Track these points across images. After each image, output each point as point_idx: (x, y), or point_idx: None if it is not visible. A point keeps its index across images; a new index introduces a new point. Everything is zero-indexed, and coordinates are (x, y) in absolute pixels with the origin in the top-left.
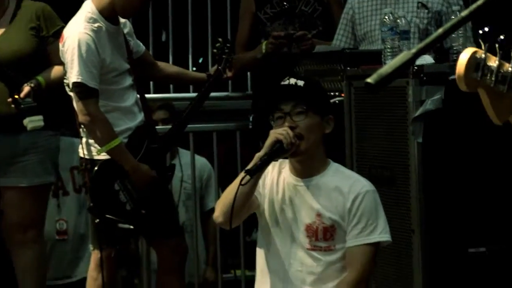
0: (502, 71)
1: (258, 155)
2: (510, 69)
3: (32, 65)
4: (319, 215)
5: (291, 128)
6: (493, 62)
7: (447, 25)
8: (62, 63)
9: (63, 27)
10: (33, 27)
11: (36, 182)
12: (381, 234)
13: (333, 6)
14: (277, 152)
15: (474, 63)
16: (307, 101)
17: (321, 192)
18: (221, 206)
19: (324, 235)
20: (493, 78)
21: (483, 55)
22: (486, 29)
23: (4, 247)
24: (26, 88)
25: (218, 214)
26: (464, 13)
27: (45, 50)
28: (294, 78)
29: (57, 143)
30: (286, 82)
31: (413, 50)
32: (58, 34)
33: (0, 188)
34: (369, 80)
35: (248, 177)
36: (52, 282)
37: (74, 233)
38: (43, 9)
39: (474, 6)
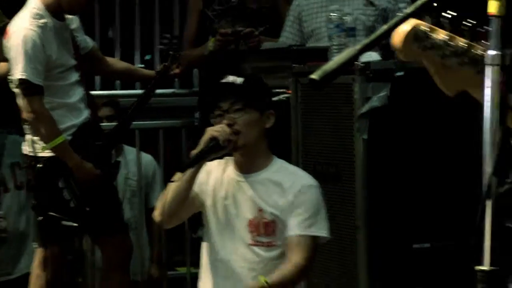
0: (452, 44)
1: (193, 152)
2: (461, 43)
3: None
4: (260, 210)
5: (229, 125)
6: (440, 35)
7: (392, 22)
8: (6, 59)
9: (8, 23)
10: None
11: None
12: (321, 230)
13: (280, 3)
14: (213, 149)
15: (415, 34)
16: (244, 97)
17: (263, 187)
18: (159, 206)
19: (266, 230)
20: (440, 52)
21: (427, 28)
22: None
23: None
24: None
25: (157, 213)
26: (409, 9)
27: None
28: (234, 75)
29: (3, 140)
30: (225, 80)
31: (358, 47)
32: (2, 30)
33: None
34: (313, 76)
35: (179, 174)
36: None
37: (14, 230)
38: None
39: (418, 2)
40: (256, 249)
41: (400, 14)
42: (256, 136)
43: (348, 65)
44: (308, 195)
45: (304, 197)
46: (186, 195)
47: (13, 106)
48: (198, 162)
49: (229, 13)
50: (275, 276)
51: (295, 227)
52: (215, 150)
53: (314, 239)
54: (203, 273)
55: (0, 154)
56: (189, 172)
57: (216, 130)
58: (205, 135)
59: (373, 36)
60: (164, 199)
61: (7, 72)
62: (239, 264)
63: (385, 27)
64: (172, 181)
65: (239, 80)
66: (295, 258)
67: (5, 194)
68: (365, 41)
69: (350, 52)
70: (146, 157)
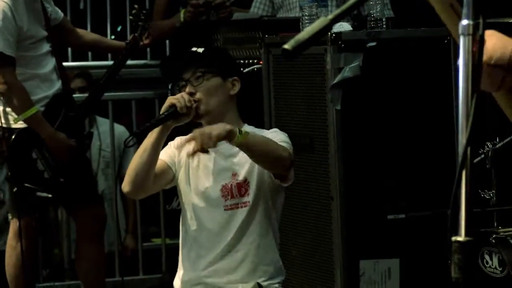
0: None
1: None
2: None
3: None
4: (235, 174)
5: (191, 94)
6: None
7: None
8: None
9: None
10: None
11: None
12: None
13: None
14: (171, 115)
15: None
16: (204, 65)
17: (235, 151)
18: (126, 176)
19: (239, 191)
20: None
21: None
22: None
23: None
24: None
25: (124, 184)
26: None
27: None
28: (195, 46)
29: None
30: (187, 52)
31: (330, 17)
32: None
33: None
34: (286, 46)
35: (134, 139)
36: None
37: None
38: None
39: None
40: (231, 212)
41: None
42: (218, 102)
43: (321, 35)
44: (277, 133)
45: (275, 133)
46: (150, 164)
47: None
48: (154, 127)
49: None
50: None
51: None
52: (174, 117)
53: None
54: (182, 243)
55: None
56: (152, 138)
57: (175, 98)
58: (165, 103)
59: (345, 6)
60: (129, 169)
61: None
62: (218, 231)
63: None
64: (128, 146)
65: (199, 50)
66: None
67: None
68: (337, 11)
69: (323, 22)
70: (119, 128)
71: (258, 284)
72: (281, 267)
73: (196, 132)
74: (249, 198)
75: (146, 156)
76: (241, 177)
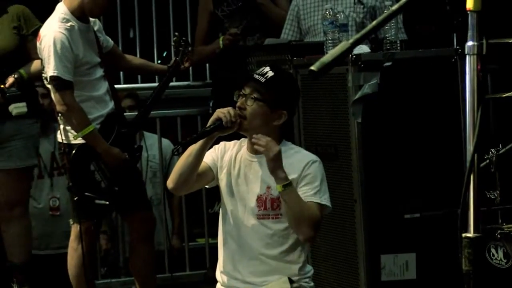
0: None
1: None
2: None
3: (15, 59)
4: (269, 187)
5: (240, 108)
6: None
7: (380, 18)
8: (39, 58)
9: (40, 26)
10: (15, 27)
11: (21, 165)
12: (323, 199)
13: (281, 1)
14: (216, 128)
15: None
16: (262, 92)
17: None
18: (172, 174)
19: (272, 205)
20: None
21: None
22: None
23: None
24: (11, 79)
25: (169, 181)
26: (395, 7)
27: (25, 46)
28: (270, 68)
29: (37, 130)
30: (259, 70)
31: (351, 41)
32: (36, 33)
33: None
34: (312, 67)
35: (181, 148)
36: (45, 252)
37: (66, 209)
38: (23, 10)
39: (403, 0)
40: (264, 221)
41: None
42: (259, 127)
43: (343, 58)
44: (312, 169)
45: (309, 170)
46: (193, 167)
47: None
48: (201, 138)
49: (236, 13)
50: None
51: (302, 195)
52: (219, 129)
53: (320, 206)
54: (220, 243)
55: (37, 142)
56: (197, 144)
57: (222, 111)
58: (213, 115)
59: (363, 31)
60: (175, 169)
61: (41, 69)
62: (250, 235)
63: (374, 23)
64: (174, 154)
65: (269, 73)
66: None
67: (59, 177)
68: (357, 35)
69: (344, 45)
70: (165, 142)
71: (289, 278)
72: (307, 264)
73: (261, 139)
74: (281, 211)
75: (190, 160)
76: (275, 194)
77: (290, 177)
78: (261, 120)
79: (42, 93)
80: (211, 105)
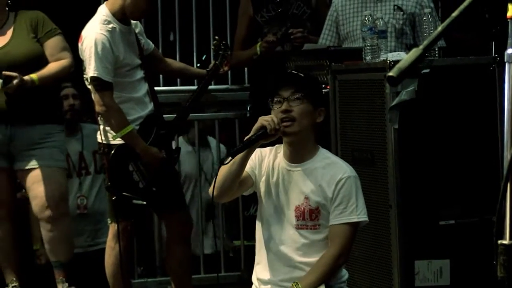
0: None
1: (245, 138)
2: None
3: (37, 65)
4: (307, 198)
5: (287, 111)
6: None
7: (444, 25)
8: (54, 57)
9: (54, 28)
10: (33, 32)
11: (53, 165)
12: (360, 215)
13: (321, 8)
14: (261, 136)
15: None
16: (304, 90)
17: (309, 177)
18: (216, 181)
19: (310, 216)
20: None
21: None
22: None
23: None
24: (15, 82)
25: (210, 190)
26: (455, 13)
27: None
28: (295, 71)
29: (64, 136)
30: (285, 76)
31: (421, 46)
32: (50, 33)
33: (17, 172)
34: (391, 73)
35: (229, 158)
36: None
37: (93, 208)
38: (37, 16)
39: (462, 6)
40: (302, 231)
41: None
42: (307, 125)
43: (418, 63)
44: (346, 186)
45: (343, 188)
46: (236, 175)
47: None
48: (248, 147)
49: (276, 18)
50: (310, 277)
51: (334, 218)
52: (263, 137)
53: (352, 224)
54: (257, 248)
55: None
56: (240, 155)
57: (266, 119)
58: (256, 124)
59: (431, 37)
60: (218, 178)
61: (56, 71)
62: (287, 244)
63: (439, 29)
64: (224, 164)
65: (300, 74)
66: (333, 248)
67: (87, 177)
68: (426, 42)
69: (417, 51)
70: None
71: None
72: (343, 269)
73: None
74: (319, 222)
75: (234, 168)
76: (313, 204)
77: (323, 191)
78: (309, 119)
79: (73, 94)
80: (248, 109)
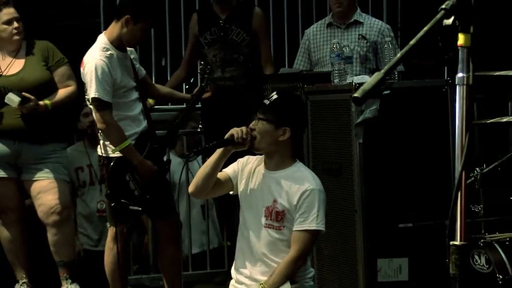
0: None
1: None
2: None
3: (47, 90)
4: (275, 201)
5: (251, 129)
6: None
7: (402, 51)
8: (62, 84)
9: (62, 58)
10: (44, 60)
11: (57, 177)
12: (319, 224)
13: (259, 36)
14: (228, 142)
15: None
16: (265, 113)
17: (280, 184)
18: (193, 179)
19: (276, 217)
20: None
21: None
22: None
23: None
24: (30, 105)
25: (190, 186)
26: (412, 41)
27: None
28: (276, 93)
29: (66, 153)
30: (269, 95)
31: (383, 71)
32: (59, 63)
33: (24, 182)
34: (356, 94)
35: (192, 154)
36: (94, 248)
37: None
38: (47, 46)
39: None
40: (269, 230)
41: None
42: (267, 144)
43: (379, 86)
44: (310, 197)
45: (307, 198)
46: (210, 175)
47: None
48: (212, 148)
49: (216, 42)
50: (273, 278)
51: (297, 224)
52: (230, 143)
53: (312, 232)
54: (237, 242)
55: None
56: (214, 157)
57: (236, 130)
58: (229, 131)
59: (391, 63)
60: (195, 176)
61: (66, 97)
62: (258, 240)
63: (398, 55)
64: (189, 160)
65: (273, 97)
66: (293, 251)
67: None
68: (386, 67)
69: (379, 75)
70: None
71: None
72: (309, 267)
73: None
74: (284, 224)
75: (207, 170)
76: (280, 207)
77: (289, 198)
78: (268, 137)
79: (85, 112)
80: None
